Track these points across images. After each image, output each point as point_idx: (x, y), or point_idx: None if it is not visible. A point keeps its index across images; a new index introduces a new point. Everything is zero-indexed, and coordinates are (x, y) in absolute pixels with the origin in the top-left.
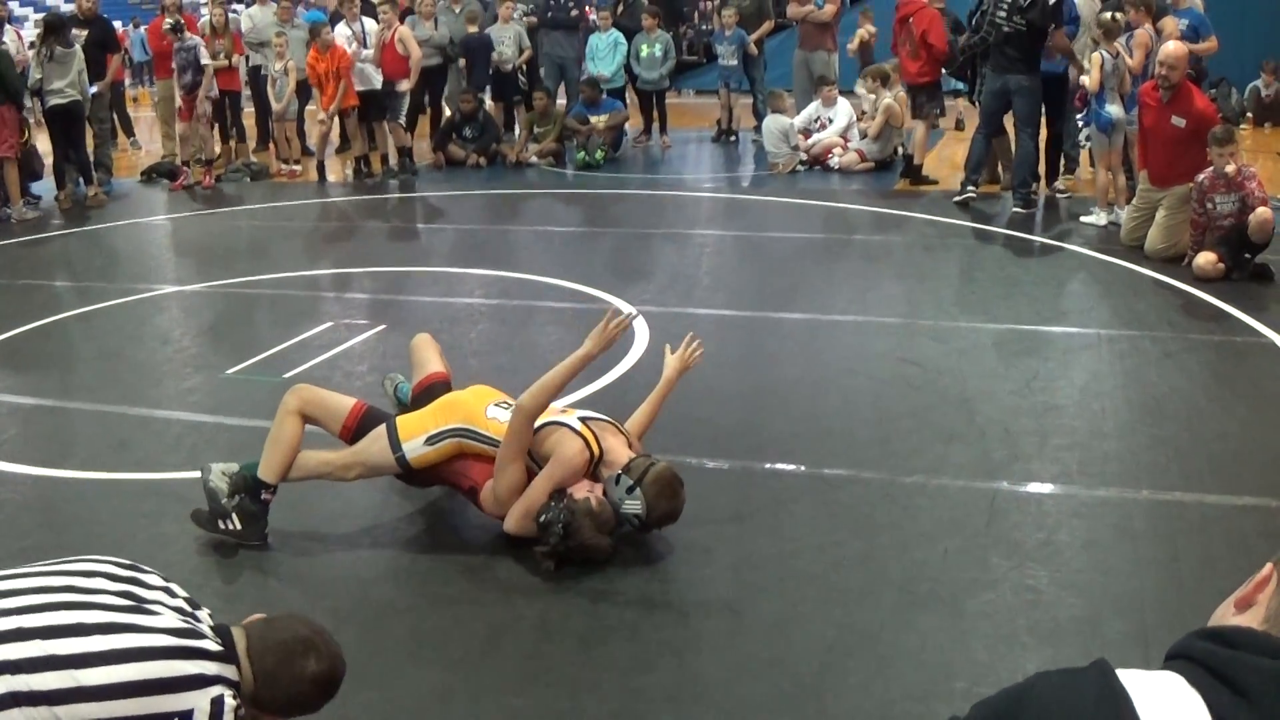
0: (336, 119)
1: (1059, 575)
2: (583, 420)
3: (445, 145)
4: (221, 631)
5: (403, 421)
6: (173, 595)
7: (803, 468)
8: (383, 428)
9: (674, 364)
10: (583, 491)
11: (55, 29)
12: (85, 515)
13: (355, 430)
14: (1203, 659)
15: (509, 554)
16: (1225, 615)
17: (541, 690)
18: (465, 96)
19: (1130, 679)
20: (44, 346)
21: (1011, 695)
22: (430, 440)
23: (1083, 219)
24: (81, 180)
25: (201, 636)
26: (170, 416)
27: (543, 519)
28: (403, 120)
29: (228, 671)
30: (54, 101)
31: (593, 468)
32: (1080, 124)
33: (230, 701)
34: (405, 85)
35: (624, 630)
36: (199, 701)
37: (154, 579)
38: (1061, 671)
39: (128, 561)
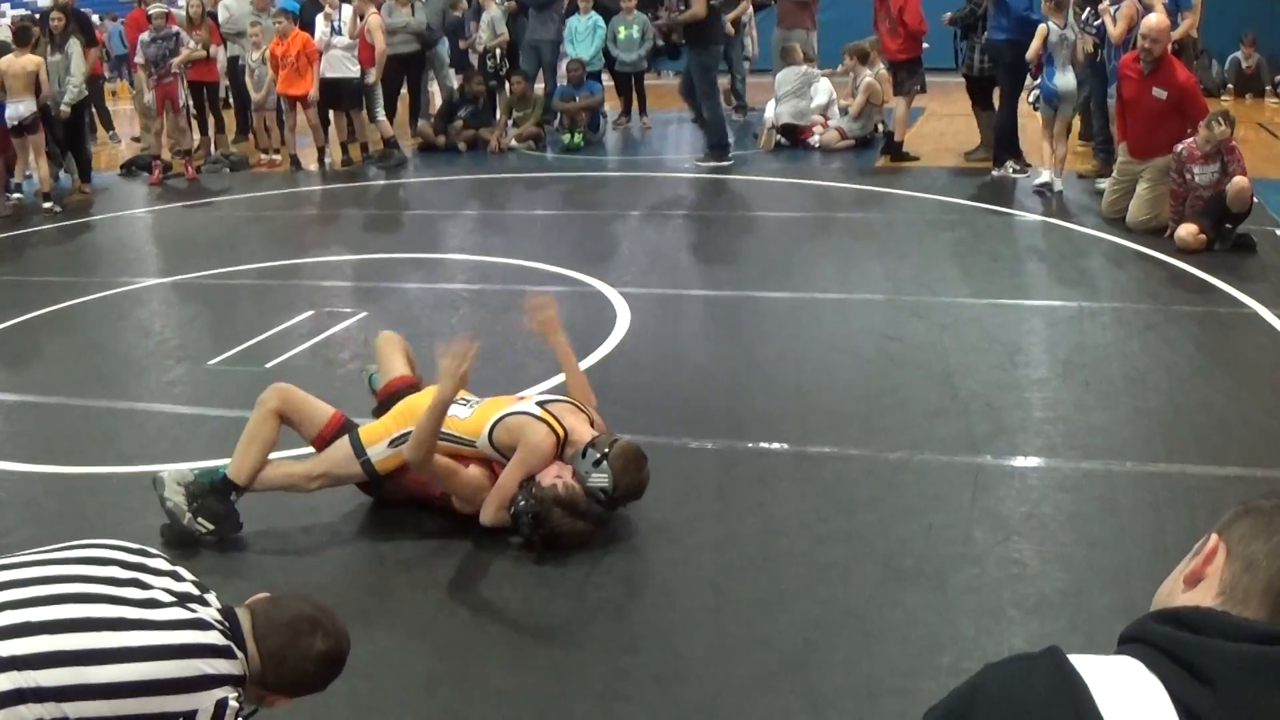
0: (299, 109)
1: (1043, 549)
2: (540, 405)
3: (447, 128)
4: (228, 614)
5: (365, 429)
6: (179, 579)
7: (786, 446)
8: (346, 436)
9: (539, 328)
10: (550, 477)
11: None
12: (70, 510)
13: (330, 440)
14: (1162, 644)
15: (492, 540)
16: (1174, 592)
17: (527, 674)
18: (478, 79)
19: (1085, 666)
20: (26, 342)
21: (961, 693)
22: (394, 443)
23: (1035, 181)
24: (68, 174)
25: (208, 628)
26: (153, 409)
27: (513, 510)
28: (380, 113)
29: (234, 668)
30: (81, 96)
31: (560, 449)
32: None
33: (233, 704)
34: (371, 76)
35: (608, 612)
36: (203, 702)
37: (160, 563)
38: (1011, 660)
39: (135, 546)
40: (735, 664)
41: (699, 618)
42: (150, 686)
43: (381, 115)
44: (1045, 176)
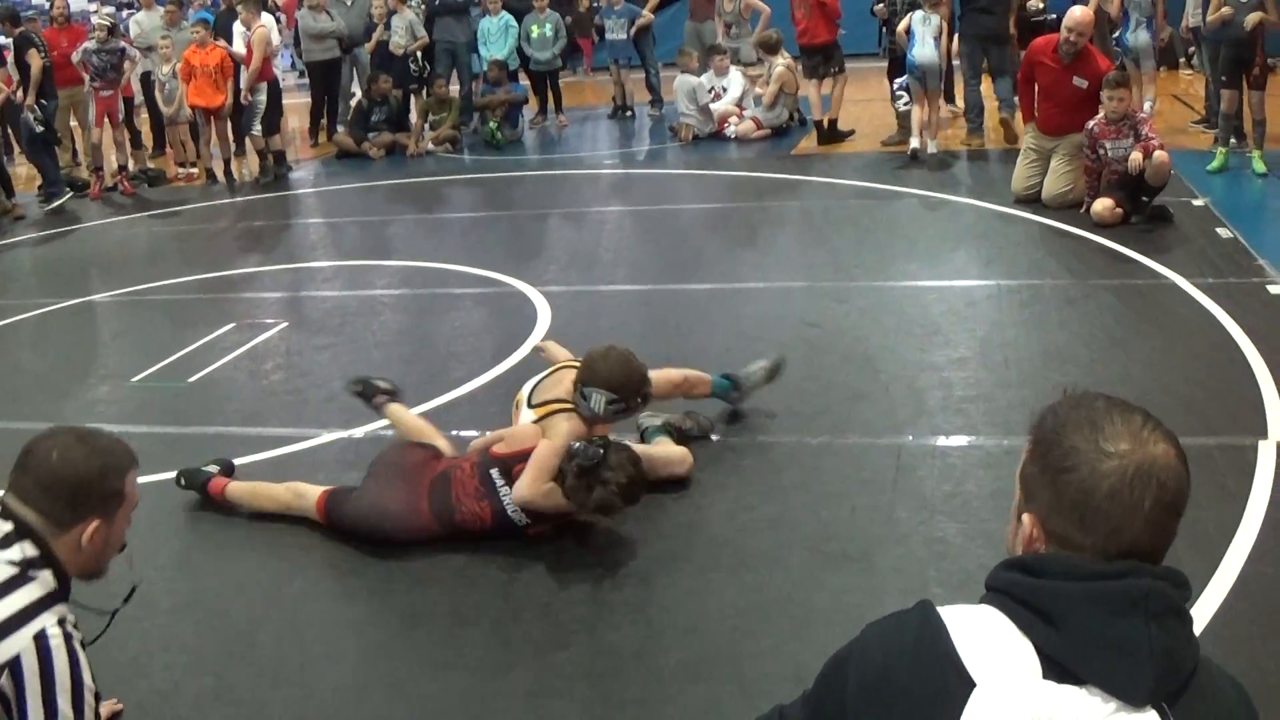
0: (212, 120)
1: (967, 526)
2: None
3: (360, 132)
4: (7, 514)
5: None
6: None
7: (711, 437)
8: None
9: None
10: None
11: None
12: None
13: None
14: (1008, 590)
15: (414, 548)
16: (1014, 549)
17: (456, 675)
18: (384, 79)
19: (949, 615)
20: None
21: (846, 645)
22: None
23: (913, 146)
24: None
25: None
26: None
27: (576, 448)
28: (257, 127)
29: (36, 590)
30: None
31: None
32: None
33: (54, 632)
34: (260, 92)
35: (535, 610)
36: (20, 644)
37: None
38: (889, 615)
39: None
40: (665, 654)
41: (627, 610)
42: None
43: (257, 130)
44: (915, 143)
